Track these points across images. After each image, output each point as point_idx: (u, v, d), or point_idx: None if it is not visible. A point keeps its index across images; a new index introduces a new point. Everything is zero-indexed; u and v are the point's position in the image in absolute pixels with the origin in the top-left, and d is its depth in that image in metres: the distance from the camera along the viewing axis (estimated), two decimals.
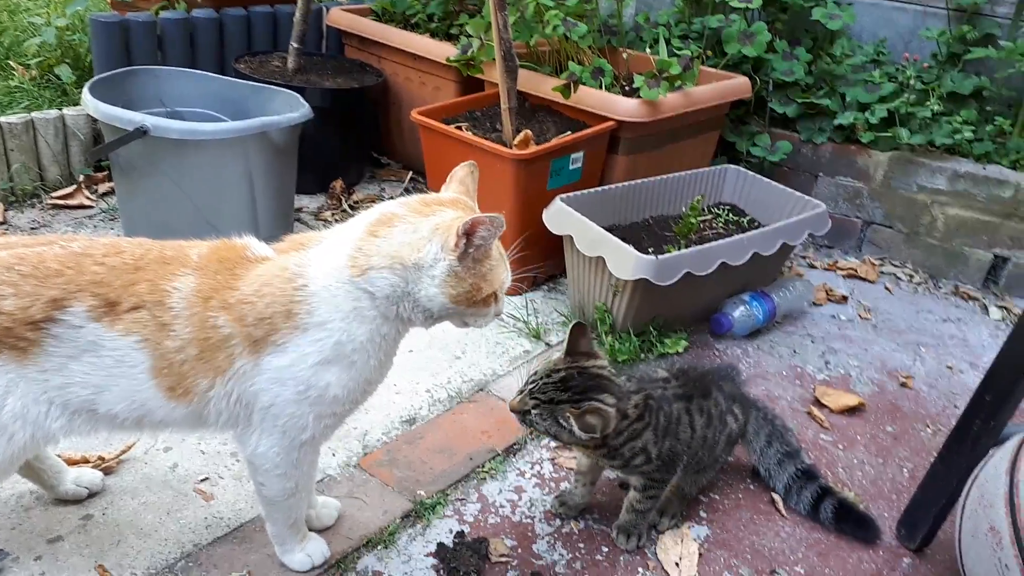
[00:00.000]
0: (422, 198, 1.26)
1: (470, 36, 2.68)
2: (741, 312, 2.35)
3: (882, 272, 2.89)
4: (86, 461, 1.63)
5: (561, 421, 1.40)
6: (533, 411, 1.43)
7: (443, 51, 2.80)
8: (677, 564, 1.57)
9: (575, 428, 1.38)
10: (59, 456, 1.57)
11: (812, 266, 2.90)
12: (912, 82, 2.84)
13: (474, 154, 2.32)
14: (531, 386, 1.45)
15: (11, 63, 3.02)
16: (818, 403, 2.13)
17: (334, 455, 1.75)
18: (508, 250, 1.32)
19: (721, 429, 1.65)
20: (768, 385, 2.19)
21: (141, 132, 2.24)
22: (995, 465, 1.39)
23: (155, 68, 2.71)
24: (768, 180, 2.65)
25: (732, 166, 2.74)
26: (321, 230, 1.29)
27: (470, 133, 2.40)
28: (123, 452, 1.68)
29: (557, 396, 1.42)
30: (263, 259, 1.25)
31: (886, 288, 2.80)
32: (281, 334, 1.20)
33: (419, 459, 1.77)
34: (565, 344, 1.49)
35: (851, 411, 2.11)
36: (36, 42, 2.95)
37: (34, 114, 2.65)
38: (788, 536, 1.69)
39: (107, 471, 1.63)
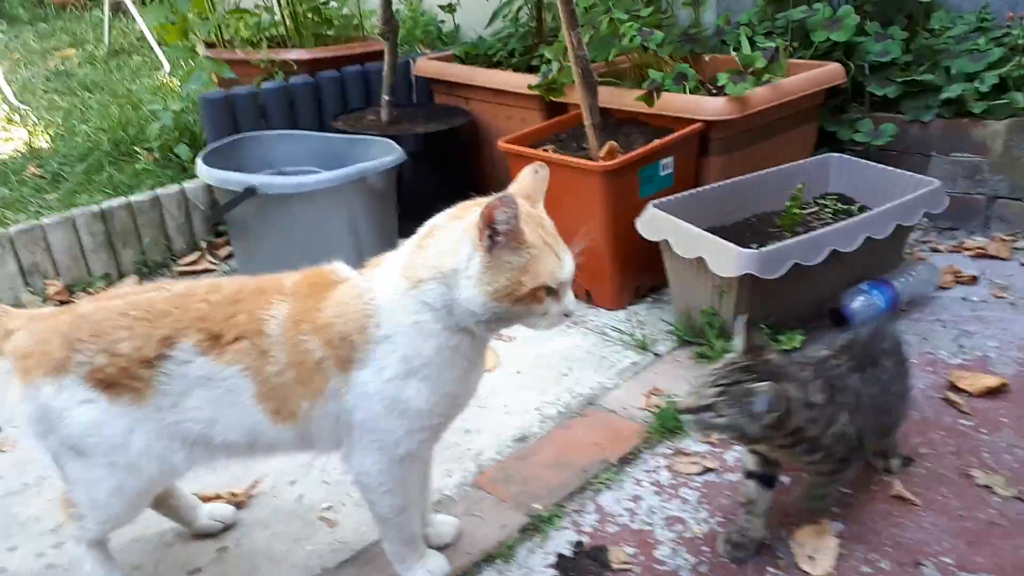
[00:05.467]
0: (463, 204, 1.26)
1: (549, 62, 2.72)
2: (861, 302, 2.23)
3: (1015, 248, 2.67)
4: (218, 497, 1.72)
5: (746, 407, 1.32)
6: (718, 399, 1.33)
7: (525, 82, 2.85)
8: (811, 557, 1.48)
9: (764, 403, 1.30)
10: (194, 494, 1.66)
11: (936, 250, 2.72)
12: (1022, 43, 2.66)
13: (562, 172, 2.33)
14: (709, 379, 1.37)
15: (136, 148, 3.30)
16: (954, 388, 1.97)
17: (450, 476, 1.77)
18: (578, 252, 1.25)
19: (896, 390, 1.62)
20: None
21: (250, 192, 2.39)
22: None
23: (260, 134, 2.90)
24: (875, 164, 2.52)
25: (835, 154, 2.63)
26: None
27: (556, 154, 2.42)
28: (252, 487, 1.76)
29: (742, 378, 1.34)
30: (345, 280, 1.30)
31: (1022, 264, 2.59)
32: (360, 350, 1.24)
33: (533, 474, 1.76)
34: (742, 341, 1.41)
35: (992, 393, 1.95)
36: (156, 127, 3.21)
37: (158, 191, 2.87)
38: (931, 527, 1.56)
39: (239, 505, 1.71)
